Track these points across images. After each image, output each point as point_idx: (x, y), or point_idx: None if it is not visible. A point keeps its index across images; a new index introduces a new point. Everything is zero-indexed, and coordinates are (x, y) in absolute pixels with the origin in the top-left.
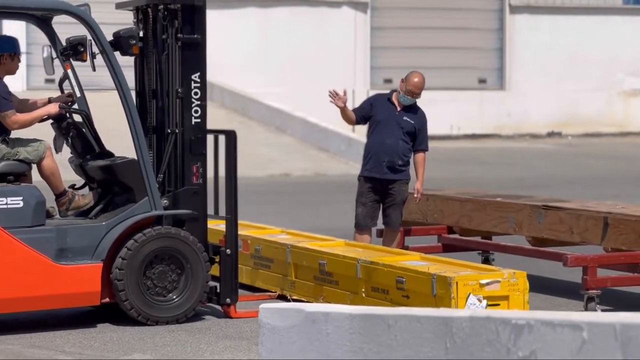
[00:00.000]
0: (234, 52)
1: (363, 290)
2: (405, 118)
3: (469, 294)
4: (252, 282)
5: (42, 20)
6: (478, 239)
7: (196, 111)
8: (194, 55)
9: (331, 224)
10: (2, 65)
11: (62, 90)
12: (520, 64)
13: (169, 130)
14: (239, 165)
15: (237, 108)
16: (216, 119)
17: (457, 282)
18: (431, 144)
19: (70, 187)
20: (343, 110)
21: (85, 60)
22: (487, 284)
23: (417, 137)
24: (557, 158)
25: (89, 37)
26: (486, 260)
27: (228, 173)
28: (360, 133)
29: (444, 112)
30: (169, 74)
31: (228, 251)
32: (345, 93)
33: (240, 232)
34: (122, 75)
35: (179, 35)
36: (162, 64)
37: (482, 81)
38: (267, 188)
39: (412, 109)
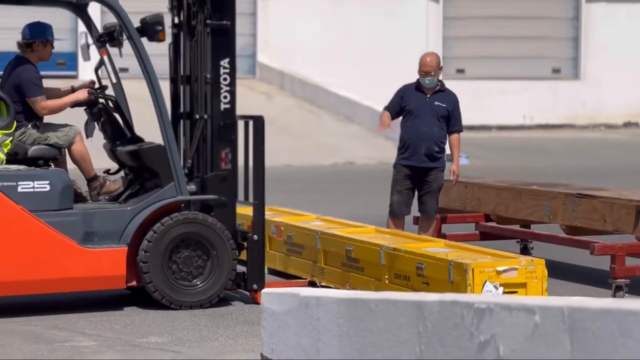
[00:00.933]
0: (306, 41)
1: (386, 277)
2: (436, 103)
3: (485, 280)
4: (284, 269)
5: (78, 7)
6: (516, 227)
7: (225, 97)
8: (223, 41)
9: (384, 211)
10: (34, 52)
11: (97, 77)
12: (595, 53)
13: (197, 116)
14: (304, 154)
15: (307, 97)
16: (286, 107)
17: (473, 269)
18: (503, 134)
19: (104, 172)
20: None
21: (163, 40)
22: (504, 271)
23: (450, 119)
24: (629, 149)
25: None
26: (524, 249)
27: (256, 159)
28: None
29: (516, 102)
30: (198, 60)
31: (255, 237)
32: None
33: (276, 218)
34: (149, 62)
35: (207, 21)
36: (192, 50)
37: (556, 71)
38: (330, 177)
39: (443, 93)
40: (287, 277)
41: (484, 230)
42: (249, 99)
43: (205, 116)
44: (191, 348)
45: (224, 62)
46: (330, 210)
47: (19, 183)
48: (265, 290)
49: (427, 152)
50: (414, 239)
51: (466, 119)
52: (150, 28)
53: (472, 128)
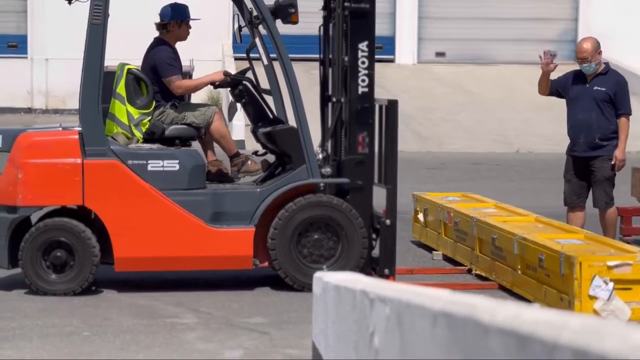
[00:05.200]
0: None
1: (519, 267)
2: (595, 87)
3: (595, 275)
4: (452, 255)
5: None
6: None
7: (363, 80)
8: (362, 23)
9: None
10: (170, 33)
11: (249, 58)
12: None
13: (334, 100)
14: (542, 141)
15: None
16: None
17: (580, 263)
18: None
19: (253, 153)
20: (545, 76)
21: (296, 22)
22: (616, 266)
23: (615, 103)
24: None
25: (250, 5)
26: None
27: (389, 143)
28: None
29: None
30: (337, 43)
31: (388, 221)
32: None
33: (453, 205)
34: (281, 44)
35: (346, 3)
36: (333, 33)
37: None
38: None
39: (604, 76)
40: (454, 263)
41: None
42: None
43: (343, 100)
44: (284, 330)
45: (362, 45)
46: (542, 200)
47: (149, 162)
48: (317, 274)
49: (588, 141)
50: (562, 229)
51: None
52: (283, 10)
53: None
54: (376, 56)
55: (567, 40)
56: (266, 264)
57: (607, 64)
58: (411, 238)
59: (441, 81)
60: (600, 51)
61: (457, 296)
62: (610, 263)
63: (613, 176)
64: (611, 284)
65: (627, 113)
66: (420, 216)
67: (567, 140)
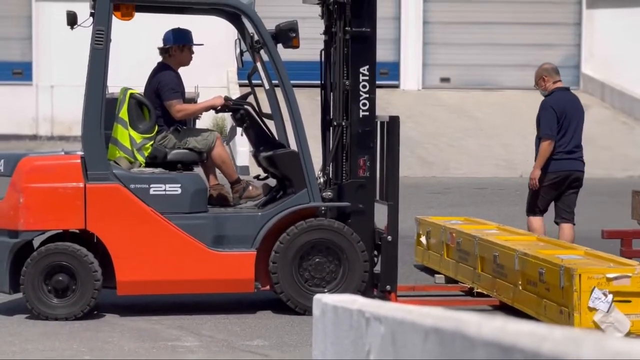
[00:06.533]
0: (630, 52)
1: (520, 283)
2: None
3: (594, 287)
4: (454, 275)
5: (232, 15)
6: None
7: (364, 104)
8: (363, 48)
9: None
10: (173, 57)
11: (250, 84)
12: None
13: (335, 123)
14: (596, 165)
15: (625, 108)
16: (601, 119)
17: (580, 275)
18: None
19: (254, 177)
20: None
21: (297, 47)
22: (615, 278)
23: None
24: None
25: (251, 30)
26: None
27: (390, 160)
28: None
29: None
30: (338, 67)
31: (389, 238)
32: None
33: (459, 226)
34: (282, 68)
35: (347, 28)
36: (333, 57)
37: None
38: (608, 189)
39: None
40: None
41: None
42: None
43: (344, 123)
44: (285, 353)
45: (364, 70)
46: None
47: (151, 186)
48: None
49: None
50: (562, 246)
51: None
52: (284, 34)
53: None
54: (381, 82)
55: (570, 66)
56: (268, 287)
57: (554, 90)
58: (414, 262)
59: (446, 107)
60: (545, 78)
61: (447, 312)
62: (610, 275)
63: (539, 188)
64: (610, 296)
65: (544, 135)
66: (423, 239)
67: None
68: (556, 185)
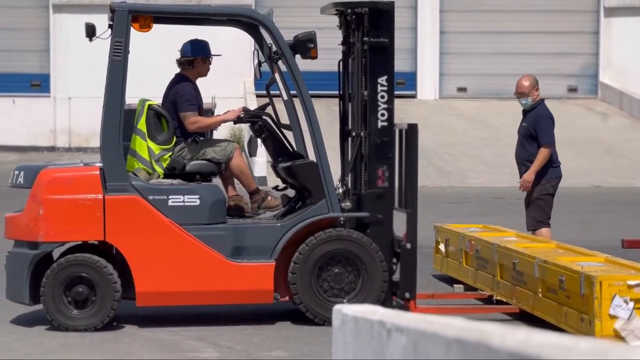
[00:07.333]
0: None
1: (540, 290)
2: (523, 124)
3: (615, 294)
4: (473, 283)
5: (250, 26)
6: None
7: (382, 114)
8: (381, 58)
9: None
10: (195, 69)
11: (269, 94)
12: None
13: (354, 134)
14: (617, 174)
15: None
16: (618, 127)
17: (600, 282)
18: None
19: (273, 188)
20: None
21: (315, 57)
22: (637, 285)
23: (536, 135)
24: None
25: (269, 41)
26: None
27: (409, 168)
28: None
29: None
30: (357, 77)
31: (408, 245)
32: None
33: (478, 234)
34: (300, 78)
35: (365, 38)
36: (352, 68)
37: None
38: (627, 198)
39: (531, 113)
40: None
41: None
42: (583, 119)
43: (362, 134)
44: None
45: (382, 80)
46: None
47: (170, 197)
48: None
49: (520, 172)
50: (582, 254)
51: None
52: (302, 45)
53: None
54: (398, 92)
55: (588, 75)
56: (287, 298)
57: (542, 100)
58: (432, 271)
59: (463, 116)
60: (537, 88)
61: (469, 323)
62: (631, 282)
63: (539, 200)
64: (631, 303)
65: (545, 143)
66: (442, 247)
67: (588, 175)
68: (554, 191)
